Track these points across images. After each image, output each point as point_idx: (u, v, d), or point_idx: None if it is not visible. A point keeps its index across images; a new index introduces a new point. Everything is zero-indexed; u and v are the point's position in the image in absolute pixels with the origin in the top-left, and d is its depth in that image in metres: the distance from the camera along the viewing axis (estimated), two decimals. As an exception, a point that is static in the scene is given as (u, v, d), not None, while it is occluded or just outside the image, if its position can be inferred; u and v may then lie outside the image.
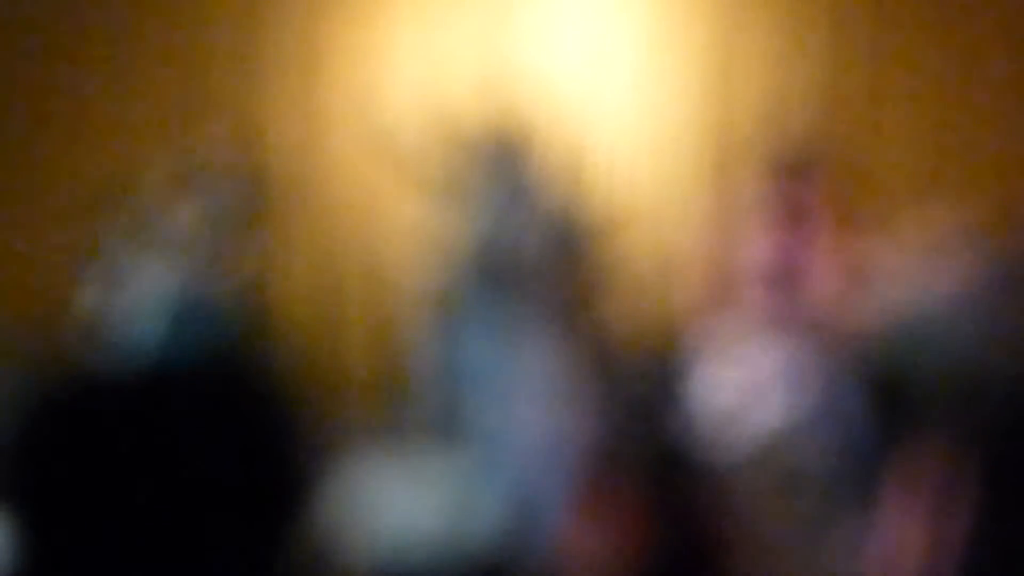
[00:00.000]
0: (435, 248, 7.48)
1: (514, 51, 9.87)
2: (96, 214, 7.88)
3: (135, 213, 7.59)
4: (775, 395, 6.74)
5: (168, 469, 1.62)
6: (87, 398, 1.71)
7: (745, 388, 6.73)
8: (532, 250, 7.31)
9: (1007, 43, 9.60)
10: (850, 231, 7.48)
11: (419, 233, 8.19)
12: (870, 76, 9.75)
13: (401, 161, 8.27)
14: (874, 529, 5.88)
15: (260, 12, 9.92)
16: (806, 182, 7.41)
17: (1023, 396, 5.40)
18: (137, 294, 7.55)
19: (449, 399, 7.50)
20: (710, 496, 6.20)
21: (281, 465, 1.66)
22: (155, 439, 1.61)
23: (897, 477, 4.78)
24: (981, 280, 6.84)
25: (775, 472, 6.70)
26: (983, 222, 7.55)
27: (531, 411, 6.93)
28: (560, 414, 7.00)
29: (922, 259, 7.05)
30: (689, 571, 5.14)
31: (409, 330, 7.95)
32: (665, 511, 5.06)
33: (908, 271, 7.04)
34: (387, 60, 9.94)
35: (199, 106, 9.53)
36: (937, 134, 9.61)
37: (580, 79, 9.76)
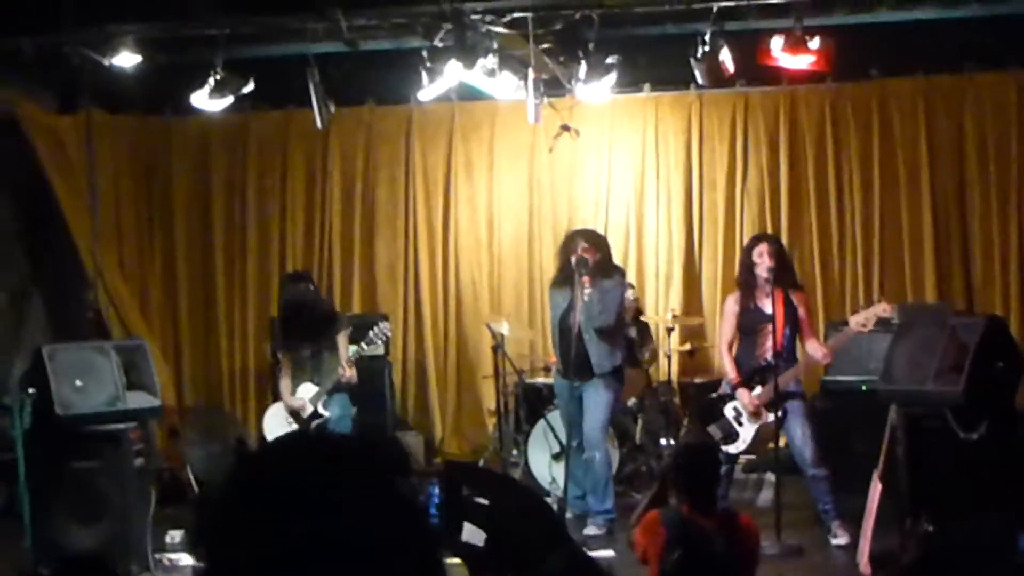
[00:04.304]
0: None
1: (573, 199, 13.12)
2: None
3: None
4: (767, 411, 9.02)
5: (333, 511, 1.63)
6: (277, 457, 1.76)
7: (750, 405, 9.03)
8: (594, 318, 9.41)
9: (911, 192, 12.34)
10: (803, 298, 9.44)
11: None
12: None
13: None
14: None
15: (408, 179, 13.42)
16: (770, 258, 8.54)
17: (918, 398, 6.98)
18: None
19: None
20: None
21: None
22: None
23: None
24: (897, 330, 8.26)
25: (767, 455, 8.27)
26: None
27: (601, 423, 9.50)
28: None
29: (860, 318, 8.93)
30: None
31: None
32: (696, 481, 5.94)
33: (854, 330, 8.99)
34: (491, 204, 13.34)
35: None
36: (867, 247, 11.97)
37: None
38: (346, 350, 10.11)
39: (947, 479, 7.64)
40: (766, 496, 10.51)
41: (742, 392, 9.05)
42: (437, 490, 5.35)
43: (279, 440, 1.90)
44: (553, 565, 1.83)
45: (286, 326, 10.37)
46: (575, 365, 9.31)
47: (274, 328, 11.30)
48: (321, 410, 10.07)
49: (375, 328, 10.26)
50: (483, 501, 4.44)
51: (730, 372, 9.21)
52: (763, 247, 9.09)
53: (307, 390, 10.11)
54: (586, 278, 9.35)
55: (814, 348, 9.06)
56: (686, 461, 6.11)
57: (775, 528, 8.61)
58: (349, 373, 10.01)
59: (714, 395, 9.43)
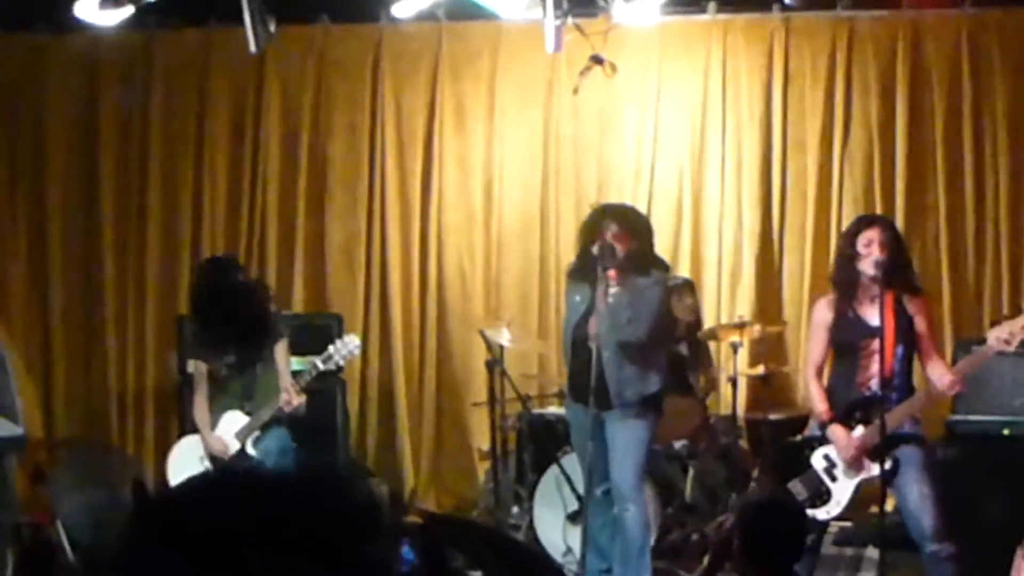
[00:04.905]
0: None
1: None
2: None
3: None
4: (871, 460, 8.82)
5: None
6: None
7: (848, 450, 8.88)
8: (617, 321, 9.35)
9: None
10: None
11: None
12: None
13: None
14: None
15: (375, 127, 13.65)
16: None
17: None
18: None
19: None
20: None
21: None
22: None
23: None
24: None
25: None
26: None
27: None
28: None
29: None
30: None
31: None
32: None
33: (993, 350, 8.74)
34: (491, 165, 13.50)
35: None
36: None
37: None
38: (287, 366, 10.03)
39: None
40: (866, 580, 10.57)
41: (836, 430, 8.89)
42: (411, 555, 5.35)
43: (192, 483, 1.85)
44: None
45: (206, 325, 10.19)
46: (595, 391, 9.22)
47: (183, 329, 11.25)
48: (250, 450, 9.98)
49: (337, 344, 10.04)
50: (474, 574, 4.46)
51: (819, 405, 9.06)
52: (873, 233, 8.91)
53: (233, 421, 10.01)
54: (612, 272, 9.30)
55: (938, 373, 8.91)
56: (756, 526, 6.04)
57: (878, 624, 8.61)
58: (296, 401, 9.86)
59: (798, 438, 9.34)
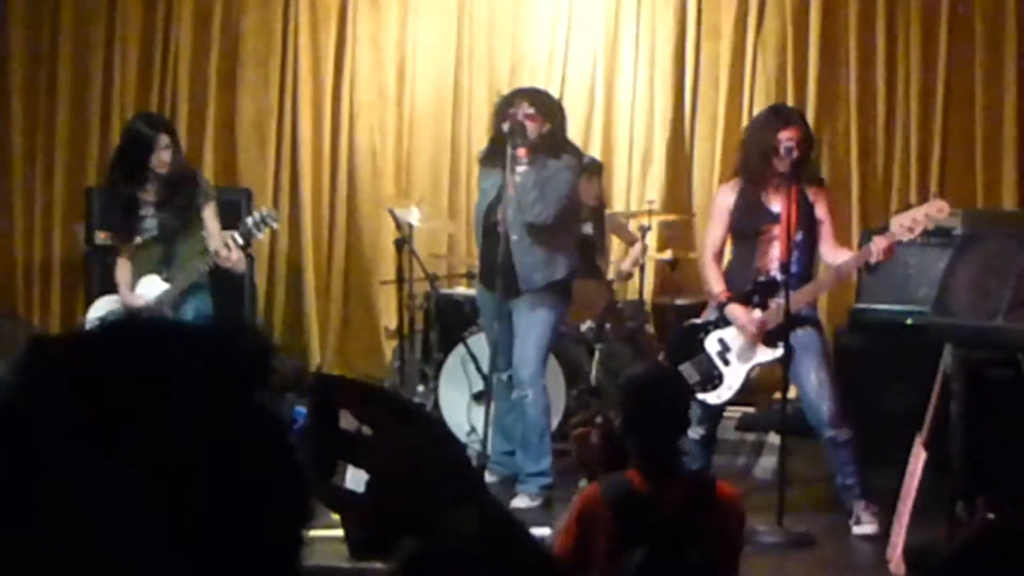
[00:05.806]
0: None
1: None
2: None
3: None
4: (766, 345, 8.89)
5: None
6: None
7: (749, 326, 8.87)
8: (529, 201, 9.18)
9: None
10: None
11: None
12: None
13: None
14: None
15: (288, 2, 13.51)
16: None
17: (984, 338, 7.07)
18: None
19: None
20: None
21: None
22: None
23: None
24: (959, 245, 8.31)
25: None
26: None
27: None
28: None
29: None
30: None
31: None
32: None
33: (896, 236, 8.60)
34: (404, 43, 13.39)
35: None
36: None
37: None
38: (218, 227, 9.66)
39: (1016, 449, 7.69)
40: (766, 464, 10.48)
41: (735, 308, 8.84)
42: (303, 414, 5.21)
43: (88, 329, 1.76)
44: (460, 525, 1.72)
45: (132, 184, 9.71)
46: (502, 275, 9.16)
47: (92, 201, 11.06)
48: (169, 314, 9.53)
49: (256, 214, 9.73)
50: (368, 432, 4.34)
51: (715, 286, 9.03)
52: (791, 132, 8.70)
53: (151, 286, 9.72)
54: (521, 150, 9.13)
55: (834, 254, 8.88)
56: (636, 401, 5.70)
57: (776, 508, 8.53)
58: (235, 255, 9.52)
59: (693, 322, 9.28)
